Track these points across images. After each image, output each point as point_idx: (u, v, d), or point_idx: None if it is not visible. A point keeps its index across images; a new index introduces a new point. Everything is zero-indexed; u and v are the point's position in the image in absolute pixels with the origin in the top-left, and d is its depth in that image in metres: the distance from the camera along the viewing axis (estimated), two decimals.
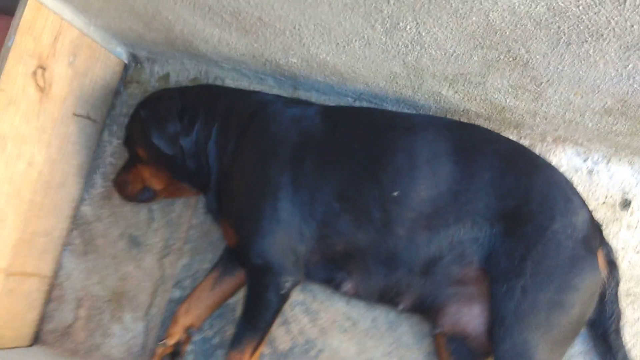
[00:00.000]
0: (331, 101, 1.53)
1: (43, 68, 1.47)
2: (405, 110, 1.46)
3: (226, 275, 1.49)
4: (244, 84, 1.61)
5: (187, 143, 1.43)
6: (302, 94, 1.56)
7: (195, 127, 1.42)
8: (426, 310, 1.30)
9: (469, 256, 1.23)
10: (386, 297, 1.32)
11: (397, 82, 1.33)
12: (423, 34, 1.06)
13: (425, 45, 1.10)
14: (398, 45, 1.13)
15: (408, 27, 1.05)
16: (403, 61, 1.20)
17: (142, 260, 1.61)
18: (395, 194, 1.24)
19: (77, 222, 1.68)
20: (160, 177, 1.50)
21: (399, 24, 1.05)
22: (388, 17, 1.04)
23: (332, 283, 1.35)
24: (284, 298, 1.33)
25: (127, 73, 1.74)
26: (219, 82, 1.64)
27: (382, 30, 1.09)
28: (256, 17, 1.20)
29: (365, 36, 1.14)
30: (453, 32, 1.02)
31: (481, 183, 1.22)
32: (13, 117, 1.41)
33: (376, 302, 1.36)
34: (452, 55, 1.10)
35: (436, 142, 1.26)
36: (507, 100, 1.23)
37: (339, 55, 1.27)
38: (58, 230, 1.66)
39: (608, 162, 1.37)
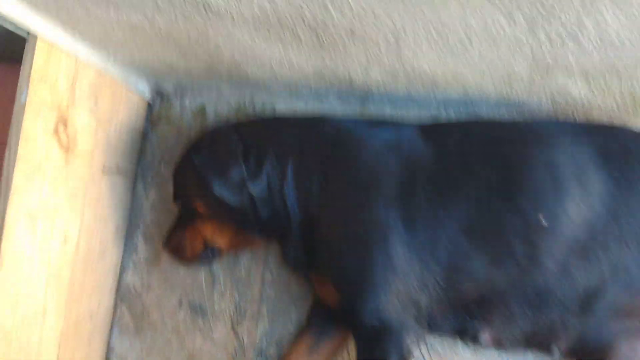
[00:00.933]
0: (410, 114, 1.28)
1: (64, 121, 1.19)
2: (505, 116, 1.23)
3: (325, 338, 1.24)
4: (299, 106, 1.36)
5: (256, 188, 1.17)
6: (373, 109, 1.32)
7: (264, 169, 1.17)
8: (589, 352, 1.07)
9: (637, 283, 1.01)
10: (536, 343, 1.09)
11: (510, 85, 1.09)
12: (586, 23, 0.82)
13: (580, 37, 0.86)
14: (540, 40, 0.89)
15: (568, 16, 0.81)
16: (533, 58, 0.97)
17: (211, 330, 1.35)
18: (542, 220, 1.01)
19: (122, 295, 1.41)
20: (226, 232, 1.24)
21: (554, 13, 0.81)
22: (542, 7, 0.80)
23: (465, 334, 1.12)
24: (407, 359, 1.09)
25: (153, 112, 1.47)
26: (268, 108, 1.38)
27: (525, 24, 0.86)
28: (346, 29, 0.95)
29: (497, 34, 0.90)
30: (630, 18, 0.79)
31: None
32: (40, 187, 1.14)
33: (524, 349, 1.13)
34: (615, 46, 0.87)
35: (579, 152, 1.03)
36: None
37: (445, 62, 1.03)
38: (103, 308, 1.39)
39: None
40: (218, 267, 1.36)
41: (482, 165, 1.06)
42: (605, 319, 1.04)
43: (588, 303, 1.03)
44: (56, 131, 1.17)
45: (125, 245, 1.43)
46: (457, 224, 1.04)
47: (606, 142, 1.04)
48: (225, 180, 1.16)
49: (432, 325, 1.11)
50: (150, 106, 1.47)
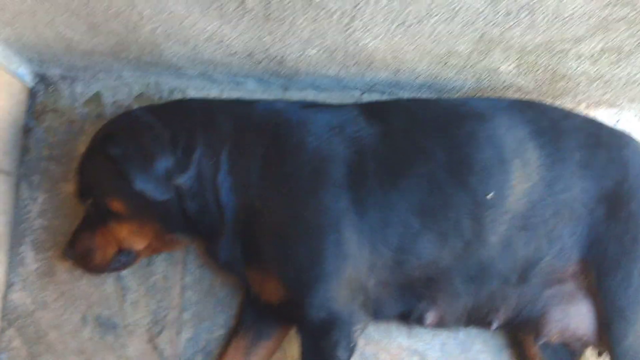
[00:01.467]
0: (332, 98, 1.24)
1: None
2: (428, 95, 1.25)
3: (261, 340, 1.16)
4: (213, 92, 1.26)
5: (185, 180, 1.05)
6: (294, 95, 1.26)
7: (193, 158, 1.05)
8: (525, 321, 1.11)
9: (568, 250, 1.07)
10: (477, 318, 1.11)
11: (445, 64, 1.11)
12: None
13: (537, 11, 0.89)
14: (497, 12, 0.91)
15: None
16: (482, 35, 0.98)
17: (125, 346, 1.19)
18: (490, 195, 1.03)
19: (9, 317, 1.19)
20: (145, 233, 1.10)
21: None
22: None
23: (410, 317, 1.10)
24: (353, 351, 1.06)
25: (36, 101, 1.26)
26: (176, 95, 1.26)
27: None
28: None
29: (458, 6, 0.90)
30: None
31: (573, 165, 1.06)
32: None
33: (464, 326, 1.14)
34: (564, 20, 0.91)
35: (515, 128, 1.07)
36: (581, 67, 1.08)
37: (392, 38, 1.01)
38: None
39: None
40: (128, 273, 1.20)
41: (430, 143, 1.05)
42: (539, 287, 1.08)
43: (526, 273, 1.07)
44: None
45: (10, 258, 1.20)
46: (408, 205, 1.03)
47: (537, 117, 1.09)
48: (149, 172, 1.03)
49: (378, 311, 1.08)
50: (32, 94, 1.26)
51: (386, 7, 0.91)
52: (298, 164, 1.05)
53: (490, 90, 1.21)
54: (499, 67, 1.11)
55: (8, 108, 1.18)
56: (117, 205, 1.07)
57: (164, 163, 1.04)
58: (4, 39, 1.09)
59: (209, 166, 1.06)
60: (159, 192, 1.04)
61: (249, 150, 1.06)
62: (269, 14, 0.96)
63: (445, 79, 1.17)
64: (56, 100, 1.26)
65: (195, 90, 1.26)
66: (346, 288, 1.03)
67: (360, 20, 0.96)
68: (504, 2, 0.88)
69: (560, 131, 1.08)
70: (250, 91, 1.26)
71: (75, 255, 1.11)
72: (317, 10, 0.93)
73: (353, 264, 1.02)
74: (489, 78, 1.17)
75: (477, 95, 1.23)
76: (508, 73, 1.14)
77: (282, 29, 1.01)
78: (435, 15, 0.94)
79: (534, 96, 1.22)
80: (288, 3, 0.92)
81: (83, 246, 1.10)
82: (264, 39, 1.04)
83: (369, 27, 0.98)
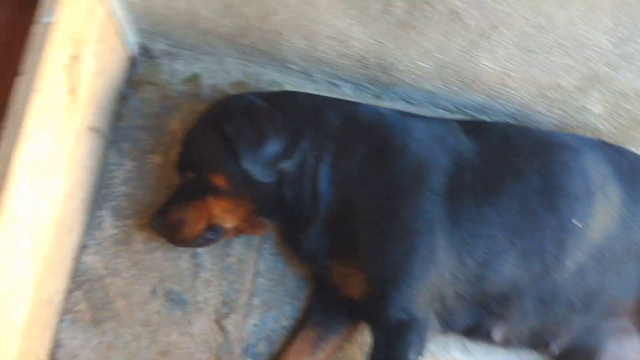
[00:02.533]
0: (419, 112, 1.30)
1: (77, 58, 0.99)
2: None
3: (329, 334, 1.17)
4: (308, 90, 1.29)
5: (289, 167, 1.09)
6: (384, 104, 1.30)
7: (299, 147, 1.09)
8: (581, 350, 1.16)
9: (631, 287, 1.14)
10: (538, 341, 1.15)
11: (543, 95, 1.18)
12: None
13: None
14: (617, 55, 0.98)
15: None
16: (591, 73, 1.06)
17: (191, 324, 1.18)
18: (576, 222, 1.09)
19: (78, 278, 1.18)
20: (239, 212, 1.12)
21: None
22: None
23: (478, 332, 1.14)
24: (422, 356, 1.09)
25: (135, 71, 1.28)
26: (275, 88, 1.29)
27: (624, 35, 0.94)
28: (450, 9, 0.95)
29: (583, 43, 0.97)
30: None
31: None
32: (48, 134, 0.92)
33: (524, 347, 1.19)
34: None
35: (600, 164, 1.14)
36: None
37: (508, 63, 1.07)
38: (60, 294, 1.15)
39: None
40: (204, 252, 1.21)
41: (525, 166, 1.11)
42: (599, 318, 1.14)
43: (590, 302, 1.12)
44: (68, 67, 0.96)
45: (88, 220, 1.20)
46: (498, 221, 1.07)
47: (619, 159, 1.16)
48: (258, 153, 1.06)
49: (449, 322, 1.12)
50: (133, 63, 1.28)
51: (521, 32, 0.98)
52: (400, 166, 1.09)
53: (569, 128, 1.28)
54: (589, 107, 1.18)
55: (111, 72, 1.19)
56: (219, 181, 1.09)
57: (274, 147, 1.07)
58: (129, 2, 1.11)
59: (312, 156, 1.09)
60: (264, 173, 1.07)
61: (352, 147, 1.10)
62: (406, 21, 1.01)
63: (534, 111, 1.24)
64: (155, 74, 1.28)
65: (292, 86, 1.30)
66: (428, 294, 1.07)
67: (490, 40, 1.02)
68: (631, 45, 0.96)
69: (638, 174, 1.16)
70: (343, 95, 1.30)
71: (164, 225, 1.12)
72: (455, 23, 0.99)
73: (439, 271, 1.06)
74: (574, 116, 1.24)
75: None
76: (595, 114, 1.21)
77: (409, 37, 1.06)
78: (560, 47, 1.01)
79: (606, 139, 1.30)
80: (431, 12, 0.97)
81: (174, 217, 1.11)
82: (385, 44, 1.09)
83: (495, 49, 1.04)
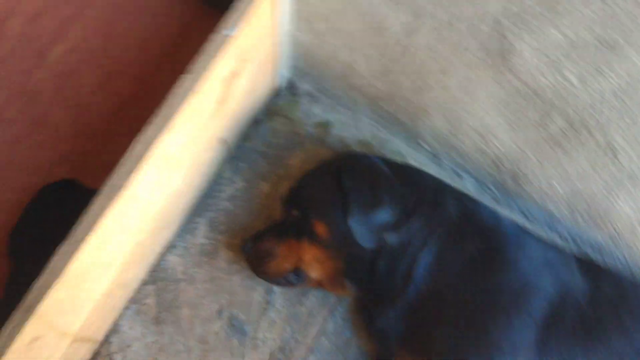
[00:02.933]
0: (533, 229, 1.25)
1: (236, 74, 1.03)
2: None
3: None
4: (430, 171, 1.28)
5: (392, 240, 1.07)
6: (502, 208, 1.27)
7: (409, 225, 1.07)
8: None
9: None
10: None
11: None
12: None
13: None
14: None
15: None
16: None
17: (243, 357, 1.17)
18: None
19: (156, 274, 1.20)
20: (328, 266, 1.10)
21: None
22: None
23: None
24: None
25: (274, 101, 1.33)
26: (398, 158, 1.29)
27: None
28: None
29: None
30: None
31: None
32: (188, 133, 0.96)
33: None
34: None
35: None
36: None
37: None
38: (135, 282, 1.17)
39: None
40: (279, 292, 1.20)
41: (634, 324, 1.03)
42: None
43: None
44: (227, 79, 1.01)
45: (185, 221, 1.23)
46: None
47: None
48: (368, 216, 1.05)
49: None
50: (275, 93, 1.33)
51: None
52: (505, 278, 1.05)
53: None
54: None
55: (256, 95, 1.24)
56: (321, 229, 1.08)
57: (385, 215, 1.05)
58: (297, 40, 1.16)
59: (419, 238, 1.07)
60: (366, 238, 1.05)
61: (462, 244, 1.07)
62: (558, 139, 0.99)
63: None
64: (292, 110, 1.32)
65: (415, 162, 1.29)
66: None
67: (637, 186, 0.97)
68: None
69: None
70: (464, 188, 1.27)
71: (253, 252, 1.13)
72: (608, 157, 0.96)
73: None
74: None
75: None
76: None
77: (555, 156, 1.03)
78: None
79: None
80: (587, 139, 0.95)
81: (265, 248, 1.12)
82: (527, 155, 1.07)
83: (639, 195, 0.99)
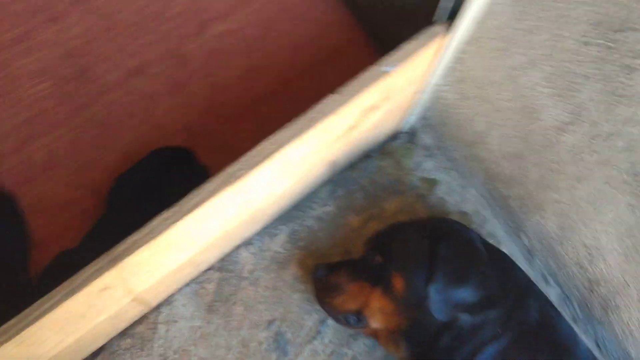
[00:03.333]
0: None
1: (376, 107, 1.04)
2: None
3: None
4: (517, 261, 1.24)
5: (464, 321, 1.03)
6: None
7: (486, 312, 1.03)
8: None
9: None
10: None
11: None
12: None
13: None
14: None
15: None
16: None
17: None
18: None
19: (222, 263, 1.21)
20: (391, 320, 1.08)
21: None
22: None
23: None
24: None
25: (390, 142, 1.33)
26: (491, 240, 1.26)
27: None
28: None
29: None
30: None
31: None
32: (313, 145, 0.97)
33: None
34: None
35: None
36: None
37: None
38: (204, 264, 1.18)
39: None
40: (333, 327, 1.19)
41: None
42: None
43: None
44: (366, 110, 1.01)
45: (269, 224, 1.24)
46: None
47: None
48: (449, 289, 1.02)
49: None
50: (394, 135, 1.33)
51: None
52: None
53: None
54: None
55: (380, 130, 1.24)
56: (398, 284, 1.06)
57: (467, 294, 1.02)
58: (441, 94, 1.16)
59: (491, 328, 1.03)
60: (440, 309, 1.02)
61: (534, 350, 1.02)
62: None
63: None
64: (405, 156, 1.32)
65: (507, 251, 1.24)
66: None
67: None
68: None
69: None
70: (545, 293, 1.22)
71: (323, 279, 1.12)
72: None
73: None
74: None
75: None
76: None
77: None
78: None
79: None
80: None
81: (337, 280, 1.11)
82: (630, 288, 1.02)
83: None
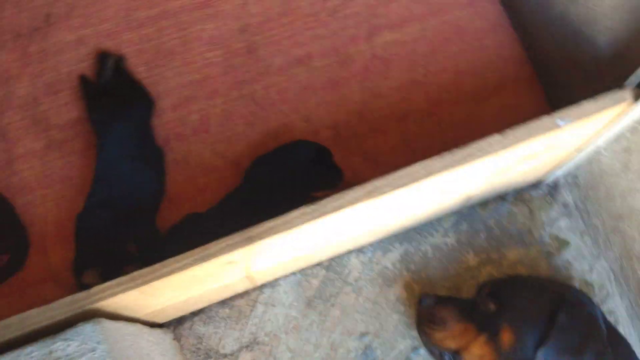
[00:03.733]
0: None
1: (533, 156, 1.00)
2: None
3: None
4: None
5: None
6: None
7: None
8: None
9: None
10: None
11: None
12: None
13: None
14: None
15: None
16: None
17: None
18: None
19: (334, 264, 1.22)
20: None
21: None
22: None
23: None
24: None
25: (529, 190, 1.28)
26: (609, 316, 1.17)
27: None
28: None
29: None
30: None
31: None
32: (462, 178, 0.95)
33: None
34: None
35: None
36: None
37: None
38: (315, 259, 1.20)
39: None
40: (424, 356, 1.17)
41: None
42: None
43: None
44: (523, 157, 0.98)
45: (385, 238, 1.24)
46: None
47: None
48: (566, 356, 0.97)
49: None
50: (535, 185, 1.27)
51: None
52: None
53: None
54: None
55: (522, 175, 1.20)
56: (506, 337, 1.02)
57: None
58: (611, 162, 1.09)
59: None
60: None
61: None
62: None
63: None
64: (540, 208, 1.26)
65: (623, 331, 1.17)
66: None
67: None
68: None
69: None
70: None
71: (430, 308, 1.10)
72: None
73: None
74: None
75: None
76: None
77: None
78: None
79: None
80: None
81: (443, 315, 1.08)
82: None
83: None
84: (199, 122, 1.18)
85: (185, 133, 1.17)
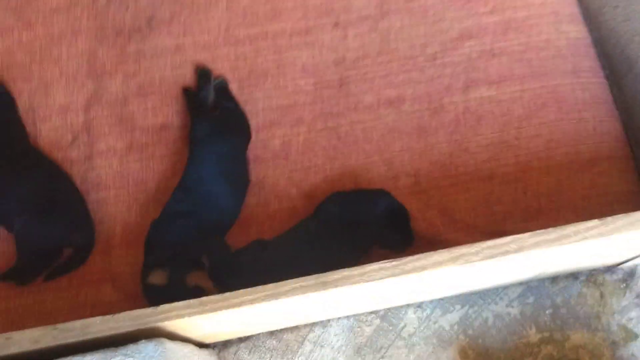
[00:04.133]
0: None
1: None
2: None
3: None
4: None
5: None
6: None
7: None
8: None
9: None
10: None
11: None
12: None
13: None
14: None
15: None
16: None
17: None
18: None
19: (390, 315, 1.19)
20: None
21: None
22: None
23: None
24: None
25: (604, 273, 1.22)
26: None
27: None
28: None
29: None
30: None
31: None
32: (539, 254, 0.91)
33: None
34: None
35: None
36: None
37: None
38: (373, 307, 1.17)
39: None
40: None
41: None
42: None
43: None
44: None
45: (445, 298, 1.20)
46: None
47: None
48: None
49: None
50: (610, 269, 1.22)
51: None
52: None
53: None
54: None
55: (603, 259, 1.14)
56: None
57: None
58: None
59: None
60: None
61: None
62: None
63: None
64: (612, 294, 1.20)
65: None
66: None
67: None
68: None
69: None
70: None
71: None
72: None
73: None
74: None
75: None
76: None
77: None
78: None
79: None
80: None
81: None
82: None
83: None
84: (280, 148, 1.17)
85: (265, 157, 1.16)
